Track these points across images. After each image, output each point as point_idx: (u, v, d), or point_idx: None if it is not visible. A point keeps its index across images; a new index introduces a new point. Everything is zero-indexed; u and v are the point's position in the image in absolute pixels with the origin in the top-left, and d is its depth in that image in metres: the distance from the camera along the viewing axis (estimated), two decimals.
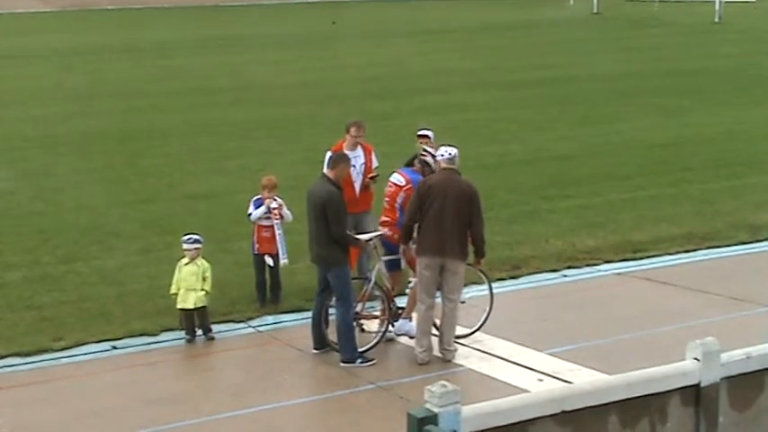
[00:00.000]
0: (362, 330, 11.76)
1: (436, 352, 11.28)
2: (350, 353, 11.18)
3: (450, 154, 11.19)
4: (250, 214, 12.87)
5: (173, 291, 11.98)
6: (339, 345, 11.28)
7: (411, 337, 11.64)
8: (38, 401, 10.51)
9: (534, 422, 6.40)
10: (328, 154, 12.82)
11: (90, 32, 56.66)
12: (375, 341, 11.56)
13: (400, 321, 11.83)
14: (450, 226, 10.88)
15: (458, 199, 10.91)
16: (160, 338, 12.04)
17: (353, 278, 11.64)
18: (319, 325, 11.44)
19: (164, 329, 12.19)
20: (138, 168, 21.50)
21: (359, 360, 11.17)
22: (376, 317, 11.87)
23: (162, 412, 10.10)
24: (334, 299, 11.26)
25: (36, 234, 16.41)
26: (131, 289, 13.62)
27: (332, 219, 10.97)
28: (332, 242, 11.03)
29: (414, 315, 11.70)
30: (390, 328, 11.76)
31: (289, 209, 12.97)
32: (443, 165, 11.21)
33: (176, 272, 12.00)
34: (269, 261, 12.78)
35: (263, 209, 12.74)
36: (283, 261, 12.76)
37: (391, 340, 11.85)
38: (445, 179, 11.07)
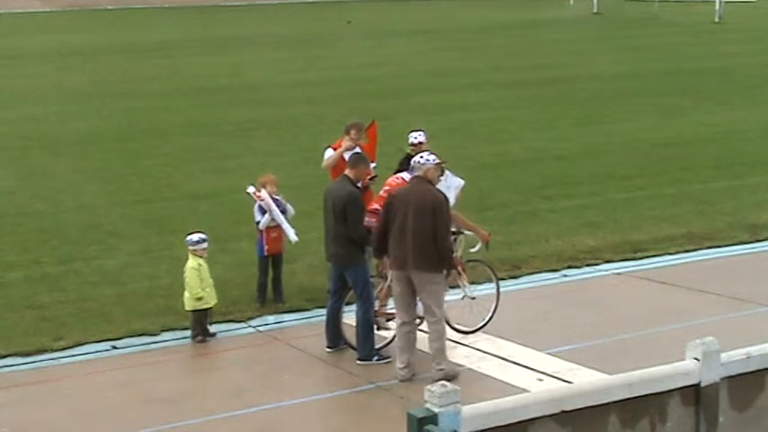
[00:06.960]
0: (378, 328, 11.71)
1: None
2: (367, 351, 11.19)
3: (418, 162, 10.63)
4: (258, 222, 12.83)
5: (200, 294, 11.78)
6: (357, 342, 11.27)
7: None
8: (38, 401, 10.50)
9: (534, 422, 6.41)
10: (328, 151, 12.88)
11: (90, 32, 56.66)
12: (390, 339, 11.52)
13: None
14: (411, 238, 10.37)
15: (418, 210, 10.36)
16: (160, 338, 12.03)
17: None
18: (335, 324, 11.44)
19: (164, 329, 12.18)
20: (138, 168, 21.51)
21: (375, 357, 11.18)
22: (392, 315, 11.82)
23: (162, 412, 10.10)
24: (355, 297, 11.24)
25: (36, 234, 16.41)
26: (131, 289, 13.61)
27: (352, 220, 11.00)
28: (351, 241, 11.06)
29: None
30: None
31: (286, 210, 12.94)
32: (415, 172, 10.72)
33: (195, 276, 11.76)
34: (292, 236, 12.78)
35: (267, 215, 12.73)
36: (294, 238, 12.76)
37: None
38: (408, 190, 10.66)
